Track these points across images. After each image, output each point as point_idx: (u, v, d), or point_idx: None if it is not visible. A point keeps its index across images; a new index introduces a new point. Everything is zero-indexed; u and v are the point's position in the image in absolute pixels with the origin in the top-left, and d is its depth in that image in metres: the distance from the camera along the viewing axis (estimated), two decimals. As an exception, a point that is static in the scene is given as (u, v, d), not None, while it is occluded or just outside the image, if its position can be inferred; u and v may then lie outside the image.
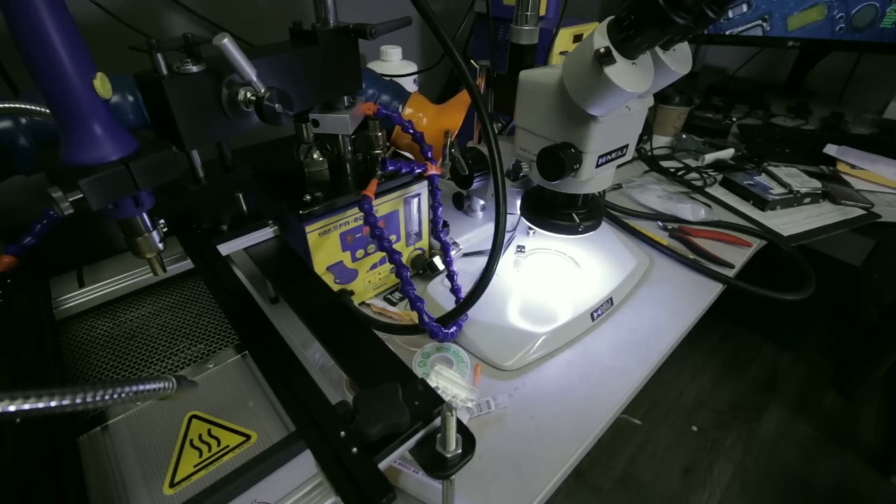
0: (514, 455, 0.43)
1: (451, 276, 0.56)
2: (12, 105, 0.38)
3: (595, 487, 1.23)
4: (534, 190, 0.58)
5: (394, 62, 0.79)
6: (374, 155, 0.54)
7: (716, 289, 0.64)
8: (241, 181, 0.56)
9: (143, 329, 0.45)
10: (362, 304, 0.59)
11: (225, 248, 0.50)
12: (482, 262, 0.49)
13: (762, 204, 0.81)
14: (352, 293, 0.56)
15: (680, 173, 0.92)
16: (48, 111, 0.35)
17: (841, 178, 0.89)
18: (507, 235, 0.58)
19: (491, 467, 0.42)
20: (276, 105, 0.37)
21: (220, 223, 0.52)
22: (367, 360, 0.37)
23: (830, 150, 0.94)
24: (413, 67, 0.80)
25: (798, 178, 0.86)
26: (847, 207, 0.82)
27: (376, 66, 0.78)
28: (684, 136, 1.03)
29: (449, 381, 0.46)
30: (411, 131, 0.56)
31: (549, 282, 0.60)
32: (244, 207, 0.54)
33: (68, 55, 0.27)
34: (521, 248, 0.62)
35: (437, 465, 0.30)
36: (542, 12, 0.57)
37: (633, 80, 0.37)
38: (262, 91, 0.36)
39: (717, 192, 0.87)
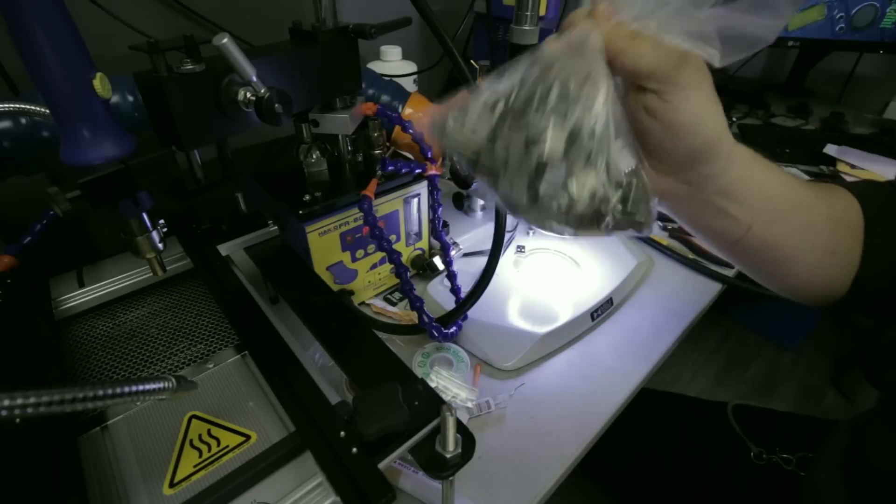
0: (514, 455, 0.43)
1: (451, 276, 0.56)
2: (12, 105, 0.38)
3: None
4: (534, 190, 0.58)
5: (394, 62, 0.80)
6: (374, 155, 0.54)
7: (715, 288, 0.64)
8: (240, 181, 0.56)
9: (142, 329, 0.45)
10: (362, 304, 0.59)
11: (225, 248, 0.50)
12: (482, 262, 0.49)
13: (762, 204, 0.81)
14: (352, 293, 0.56)
15: (680, 173, 0.91)
16: (48, 111, 0.35)
17: (841, 179, 0.89)
18: (507, 235, 0.58)
19: (491, 467, 0.42)
20: (276, 105, 0.37)
21: (220, 223, 0.52)
22: (367, 360, 0.37)
23: (830, 150, 0.94)
24: (413, 67, 0.80)
25: (798, 178, 0.86)
26: (847, 207, 0.82)
27: (376, 66, 0.78)
28: (684, 136, 1.03)
29: (449, 381, 0.46)
30: (411, 131, 0.56)
31: (549, 282, 0.60)
32: (244, 207, 0.54)
33: (68, 55, 0.27)
34: (521, 248, 0.62)
35: (437, 465, 0.30)
36: (542, 12, 0.57)
37: (633, 80, 0.36)
38: (262, 91, 0.36)
39: (717, 192, 0.87)
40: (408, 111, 0.66)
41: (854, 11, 1.05)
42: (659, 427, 0.69)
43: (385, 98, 0.65)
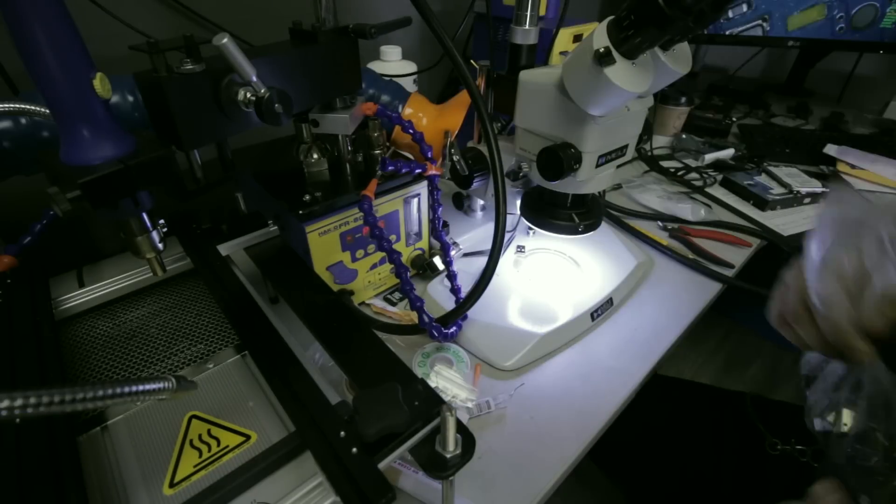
0: (514, 455, 0.43)
1: (451, 276, 0.56)
2: (12, 105, 0.38)
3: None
4: (534, 190, 0.58)
5: (394, 62, 0.80)
6: (374, 155, 0.54)
7: (715, 289, 0.64)
8: (240, 181, 0.56)
9: (142, 329, 0.45)
10: (362, 304, 0.59)
11: (225, 248, 0.50)
12: (482, 262, 0.49)
13: (762, 204, 0.81)
14: (352, 293, 0.56)
15: (680, 173, 0.92)
16: (48, 111, 0.35)
17: (841, 179, 0.89)
18: (507, 235, 0.58)
19: (491, 467, 0.42)
20: (276, 105, 0.37)
21: (220, 223, 0.52)
22: (367, 360, 0.37)
23: (830, 150, 0.94)
24: (413, 67, 0.80)
25: (798, 178, 0.86)
26: (847, 207, 0.82)
27: (376, 66, 0.78)
28: (684, 136, 1.03)
29: (449, 381, 0.46)
30: (411, 131, 0.56)
31: (549, 282, 0.60)
32: (244, 207, 0.54)
33: (68, 55, 0.27)
34: (521, 248, 0.62)
35: (437, 465, 0.30)
36: (542, 12, 0.57)
37: (633, 80, 0.37)
38: (262, 91, 0.36)
39: (717, 192, 0.87)
40: (408, 111, 0.66)
41: (854, 11, 1.05)
42: (672, 414, 0.68)
43: (385, 98, 0.65)
